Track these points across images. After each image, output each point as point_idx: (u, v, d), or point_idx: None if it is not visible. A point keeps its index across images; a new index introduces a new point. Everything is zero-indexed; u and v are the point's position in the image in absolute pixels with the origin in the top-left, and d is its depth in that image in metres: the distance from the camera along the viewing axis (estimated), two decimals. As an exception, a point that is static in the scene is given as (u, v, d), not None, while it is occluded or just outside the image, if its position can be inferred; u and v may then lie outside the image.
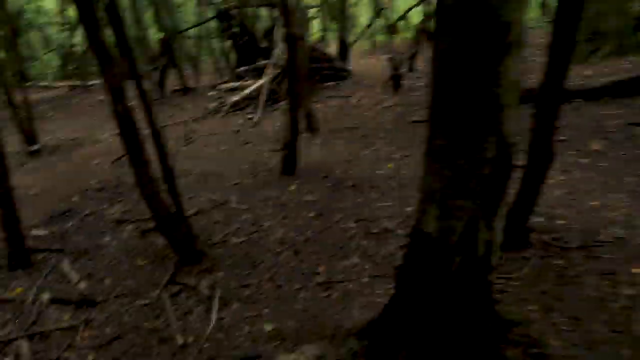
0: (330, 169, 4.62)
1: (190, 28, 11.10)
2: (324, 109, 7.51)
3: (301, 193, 4.07)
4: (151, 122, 3.00)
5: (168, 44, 9.68)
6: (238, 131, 6.88)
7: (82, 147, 7.06)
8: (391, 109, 7.25)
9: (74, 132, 8.17)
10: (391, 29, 10.23)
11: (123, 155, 5.44)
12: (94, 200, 4.42)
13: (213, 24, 11.56)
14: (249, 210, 3.79)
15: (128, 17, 14.26)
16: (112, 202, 4.34)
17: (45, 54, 21.12)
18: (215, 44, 12.45)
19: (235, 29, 10.16)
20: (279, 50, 8.60)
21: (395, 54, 8.52)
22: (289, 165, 4.49)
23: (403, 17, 8.62)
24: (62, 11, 17.89)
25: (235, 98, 8.24)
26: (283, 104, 7.96)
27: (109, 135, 7.56)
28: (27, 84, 18.18)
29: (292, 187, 4.21)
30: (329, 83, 9.25)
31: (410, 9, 10.15)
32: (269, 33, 9.51)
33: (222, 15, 10.35)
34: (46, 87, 16.71)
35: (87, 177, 5.26)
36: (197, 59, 12.34)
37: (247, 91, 8.40)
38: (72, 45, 17.23)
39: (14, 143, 6.55)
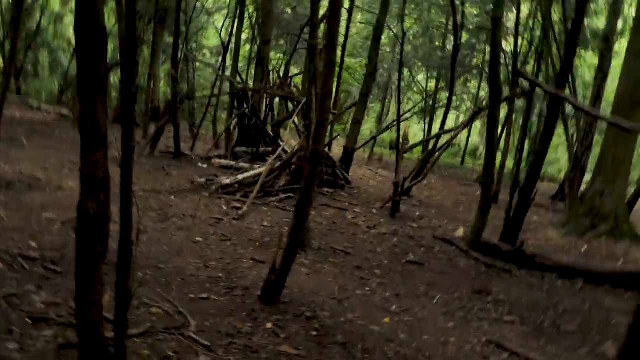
0: (318, 307, 3.84)
1: (204, 96, 10.80)
2: (319, 219, 6.88)
3: (279, 337, 3.24)
4: (124, 186, 2.29)
5: (174, 105, 9.25)
6: (220, 220, 6.13)
7: (41, 190, 6.18)
8: (387, 237, 6.67)
9: (40, 169, 7.30)
10: (399, 151, 10.05)
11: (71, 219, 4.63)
12: (21, 274, 3.50)
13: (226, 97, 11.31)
14: (209, 349, 2.93)
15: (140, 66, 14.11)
16: (42, 284, 3.43)
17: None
18: (222, 115, 12.17)
19: (247, 110, 9.86)
20: (286, 144, 8.19)
21: (398, 176, 8.17)
22: (272, 293, 3.71)
23: (415, 146, 8.43)
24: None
25: (227, 181, 7.60)
26: (274, 201, 7.34)
27: (77, 183, 6.73)
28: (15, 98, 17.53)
29: (269, 325, 3.39)
30: (326, 189, 8.75)
31: (420, 143, 10.11)
32: (279, 124, 9.18)
33: (238, 94, 10.09)
34: (35, 109, 15.97)
35: (28, 235, 4.36)
36: (197, 125, 11.92)
37: (240, 177, 7.79)
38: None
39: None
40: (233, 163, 9.71)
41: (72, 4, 19.75)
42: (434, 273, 5.44)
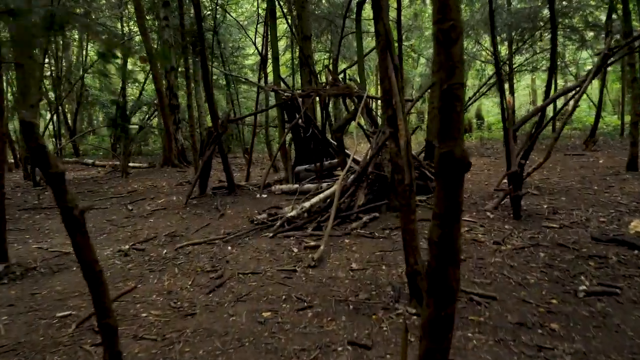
0: None
1: (247, 116, 9.32)
2: (424, 244, 5.01)
3: None
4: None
5: (217, 132, 7.82)
6: (292, 273, 4.45)
7: (66, 272, 4.86)
8: (530, 254, 4.64)
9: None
10: (508, 132, 7.90)
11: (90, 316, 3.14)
12: None
13: (274, 112, 9.76)
14: None
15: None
16: None
17: (90, 130, 20.41)
18: (274, 133, 10.72)
19: (300, 120, 8.23)
20: (355, 152, 6.40)
21: (513, 162, 6.12)
22: None
23: (527, 120, 6.30)
24: (122, 90, 17.18)
25: (292, 213, 5.95)
26: (356, 227, 5.57)
27: (114, 252, 5.40)
28: (72, 159, 17.28)
29: None
30: (418, 198, 6.84)
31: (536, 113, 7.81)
32: (341, 129, 7.44)
33: (287, 105, 8.50)
34: (89, 165, 15.50)
35: (30, 349, 2.92)
36: (249, 149, 10.45)
37: (308, 204, 6.11)
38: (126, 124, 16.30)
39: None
40: (296, 186, 8.09)
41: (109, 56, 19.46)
42: None
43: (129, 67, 17.56)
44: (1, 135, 4.82)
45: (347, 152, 7.46)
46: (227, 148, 17.85)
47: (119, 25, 15.88)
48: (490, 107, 23.12)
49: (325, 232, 5.05)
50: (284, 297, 3.89)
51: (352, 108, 7.62)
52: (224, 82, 16.24)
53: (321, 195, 6.25)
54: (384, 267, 4.49)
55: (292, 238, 5.62)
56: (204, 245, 5.60)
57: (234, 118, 8.93)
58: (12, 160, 15.24)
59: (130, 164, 14.09)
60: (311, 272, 4.45)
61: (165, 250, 5.45)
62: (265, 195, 8.17)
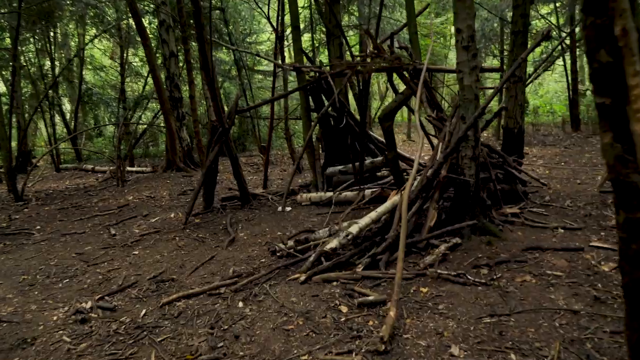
0: None
1: (262, 104, 7.32)
2: (553, 298, 3.03)
3: None
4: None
5: (223, 127, 5.91)
6: (350, 372, 2.53)
7: (28, 347, 3.01)
8: None
9: (37, 289, 4.25)
10: None
11: None
12: None
13: (296, 99, 7.81)
14: None
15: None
16: None
17: (86, 130, 18.71)
18: (296, 128, 8.81)
19: (330, 109, 6.26)
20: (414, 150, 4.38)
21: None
22: None
23: None
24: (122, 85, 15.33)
25: (333, 243, 3.99)
26: (431, 263, 3.64)
27: (68, 315, 3.55)
28: (73, 164, 15.64)
29: None
30: (507, 209, 4.82)
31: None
32: (390, 115, 5.41)
33: (312, 87, 6.52)
34: (89, 172, 13.81)
35: None
36: (266, 146, 8.46)
37: (355, 228, 4.13)
38: (128, 123, 14.54)
39: None
40: (329, 194, 6.14)
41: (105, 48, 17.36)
42: None
43: (130, 58, 15.78)
44: None
45: (400, 152, 5.47)
46: (241, 146, 15.97)
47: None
48: (556, 88, 20.54)
49: (396, 283, 3.06)
50: None
51: (401, 90, 5.62)
52: (235, 72, 14.33)
53: (373, 215, 4.28)
54: (512, 355, 2.51)
55: (335, 284, 3.68)
56: (203, 297, 3.71)
57: (244, 108, 6.98)
58: None
59: (132, 169, 12.34)
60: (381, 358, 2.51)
61: (144, 311, 3.57)
62: (289, 209, 6.24)
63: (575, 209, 5.04)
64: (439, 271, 3.60)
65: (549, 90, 20.61)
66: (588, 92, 14.02)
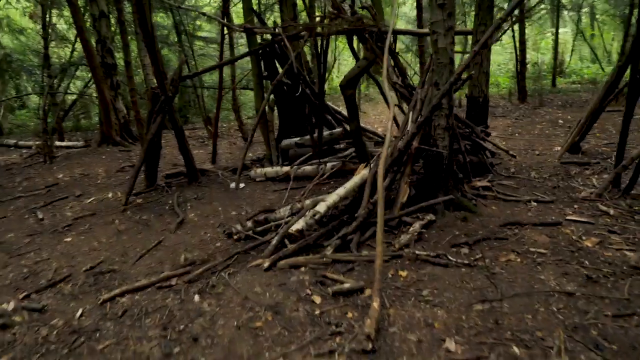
0: None
1: (208, 70, 6.63)
2: (546, 279, 2.82)
3: None
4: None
5: (166, 95, 5.24)
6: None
7: None
8: None
9: None
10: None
11: None
12: None
13: (246, 63, 7.17)
14: None
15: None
16: None
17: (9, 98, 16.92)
18: (246, 97, 8.15)
19: (285, 77, 5.74)
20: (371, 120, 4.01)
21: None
22: None
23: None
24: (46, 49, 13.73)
25: (300, 224, 3.58)
26: (406, 242, 3.35)
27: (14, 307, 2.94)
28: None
29: None
30: (477, 182, 4.61)
31: None
32: (353, 83, 4.98)
33: (265, 52, 5.94)
34: (11, 147, 12.41)
35: None
36: (214, 118, 7.76)
37: (322, 207, 3.74)
38: (55, 93, 13.08)
39: None
40: (286, 169, 5.69)
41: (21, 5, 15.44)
42: None
43: (54, 20, 14.16)
44: None
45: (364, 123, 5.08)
46: (183, 118, 14.97)
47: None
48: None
49: (376, 269, 2.72)
50: None
51: (364, 54, 5.20)
52: (175, 38, 13.24)
53: (341, 191, 3.90)
54: (515, 348, 2.25)
55: (303, 269, 3.29)
56: (151, 291, 3.20)
57: (188, 74, 6.29)
58: None
59: (61, 143, 11.16)
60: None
61: (80, 311, 3.01)
62: (243, 185, 5.74)
63: (542, 180, 4.94)
64: (416, 252, 3.31)
65: (493, 62, 20.91)
66: (532, 65, 14.27)
